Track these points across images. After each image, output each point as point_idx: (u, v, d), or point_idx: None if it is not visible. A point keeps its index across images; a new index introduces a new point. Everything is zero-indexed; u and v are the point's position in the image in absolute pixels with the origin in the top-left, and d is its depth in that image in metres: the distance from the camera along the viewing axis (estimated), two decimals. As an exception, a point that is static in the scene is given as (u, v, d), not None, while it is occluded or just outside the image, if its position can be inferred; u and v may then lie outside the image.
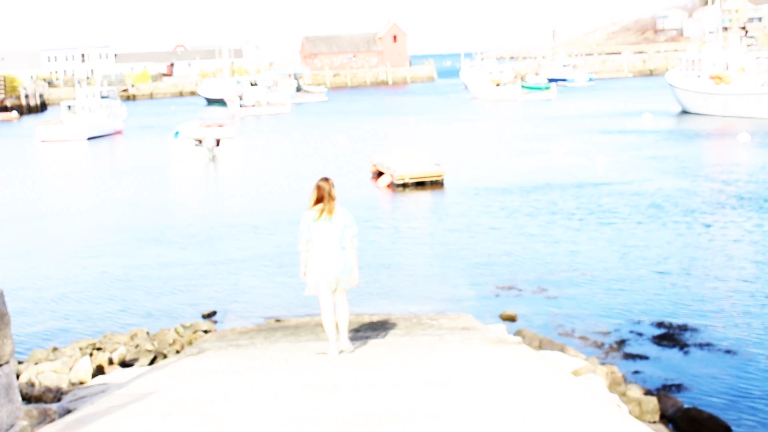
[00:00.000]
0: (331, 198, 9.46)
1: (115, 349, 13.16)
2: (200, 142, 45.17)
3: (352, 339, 11.27)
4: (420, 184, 31.28)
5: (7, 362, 6.42)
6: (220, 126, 47.64)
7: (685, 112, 60.61)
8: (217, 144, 45.16)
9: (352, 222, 9.64)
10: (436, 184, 31.41)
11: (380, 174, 33.27)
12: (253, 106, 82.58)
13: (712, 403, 11.32)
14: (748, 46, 64.54)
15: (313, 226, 9.55)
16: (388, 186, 31.67)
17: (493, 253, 20.96)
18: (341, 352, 10.07)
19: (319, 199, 9.49)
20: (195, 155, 44.63)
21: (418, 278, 18.85)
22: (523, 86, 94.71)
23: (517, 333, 13.46)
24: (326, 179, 9.58)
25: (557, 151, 40.80)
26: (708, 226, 22.87)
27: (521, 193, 29.16)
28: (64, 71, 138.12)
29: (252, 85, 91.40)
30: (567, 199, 27.59)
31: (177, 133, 46.47)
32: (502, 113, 70.00)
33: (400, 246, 22.40)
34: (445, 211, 26.94)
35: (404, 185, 31.19)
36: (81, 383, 11.51)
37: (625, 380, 11.72)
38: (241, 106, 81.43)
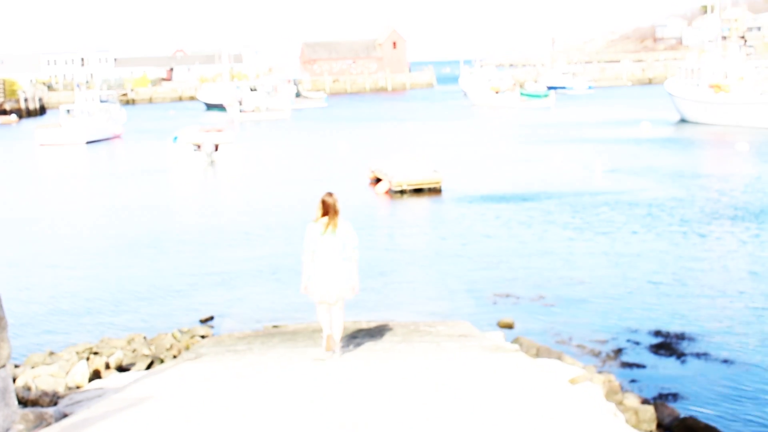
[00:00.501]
0: (335, 212, 9.87)
1: (112, 354, 13.15)
2: (199, 147, 45.22)
3: (351, 345, 11.34)
4: (417, 191, 31.33)
5: (3, 366, 6.42)
6: (219, 131, 47.68)
7: (683, 120, 60.71)
8: (216, 149, 45.19)
9: (354, 235, 10.05)
10: (434, 190, 31.47)
11: (378, 180, 33.30)
12: (253, 111, 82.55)
13: (709, 413, 11.32)
14: (747, 55, 64.61)
15: (318, 239, 9.92)
16: (386, 192, 31.69)
17: (490, 260, 20.96)
18: (333, 351, 10.36)
19: (324, 214, 9.89)
20: (193, 160, 44.66)
21: (416, 285, 18.84)
22: (522, 94, 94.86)
23: (515, 341, 13.46)
24: (330, 194, 9.98)
25: (555, 159, 40.84)
26: (705, 236, 22.89)
27: (519, 201, 29.17)
28: (64, 75, 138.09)
29: (252, 90, 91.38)
30: (564, 208, 27.60)
31: (176, 138, 46.53)
32: (501, 120, 70.09)
33: (397, 253, 22.40)
34: (443, 218, 26.94)
35: (401, 192, 31.24)
36: (77, 387, 11.49)
37: (622, 389, 11.72)
38: (240, 111, 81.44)
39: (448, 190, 31.66)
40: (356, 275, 10.15)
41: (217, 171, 42.50)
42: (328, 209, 9.86)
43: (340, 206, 9.96)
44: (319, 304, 10.19)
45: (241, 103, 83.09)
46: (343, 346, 11.10)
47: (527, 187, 32.33)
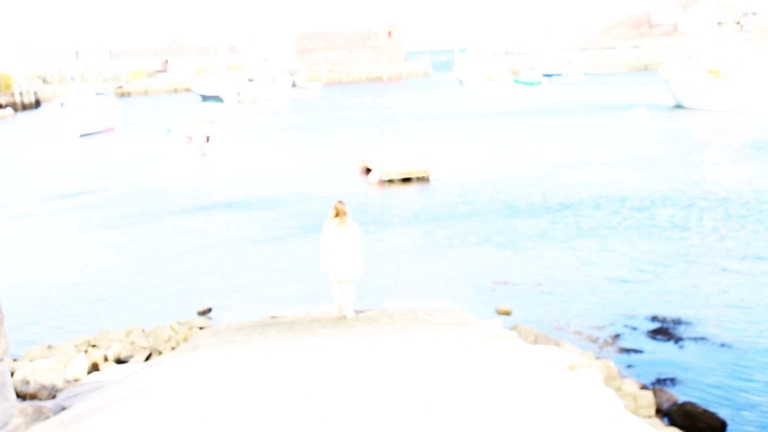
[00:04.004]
0: (344, 214, 12.90)
1: (110, 346, 13.14)
2: (190, 138, 45.23)
3: (348, 334, 11.44)
4: (406, 180, 31.44)
5: (1, 360, 6.41)
6: (212, 123, 47.65)
7: (679, 106, 60.63)
8: (207, 140, 45.19)
9: (359, 231, 12.99)
10: (422, 179, 31.59)
11: (368, 170, 33.39)
12: (252, 102, 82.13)
13: (707, 398, 11.35)
14: (743, 40, 64.53)
15: (333, 233, 12.81)
16: (378, 182, 31.70)
17: (486, 248, 20.96)
18: (344, 317, 13.08)
19: (337, 215, 12.86)
20: (186, 152, 44.64)
21: (413, 274, 18.85)
22: (516, 81, 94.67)
23: (513, 328, 13.47)
24: (341, 201, 13.06)
25: (548, 146, 40.80)
26: (700, 222, 22.90)
27: (512, 189, 29.15)
28: (59, 68, 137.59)
29: (249, 81, 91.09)
30: (557, 195, 27.59)
31: (169, 130, 46.55)
32: (495, 108, 69.94)
33: (393, 242, 22.38)
34: (437, 207, 26.91)
35: (390, 181, 31.35)
36: (76, 380, 11.49)
37: (621, 375, 11.74)
38: (239, 102, 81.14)
39: (437, 179, 31.69)
40: (361, 260, 12.98)
41: (210, 162, 42.41)
42: (338, 212, 12.87)
43: (348, 210, 12.96)
44: (335, 283, 13.00)
45: (239, 94, 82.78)
46: (340, 335, 11.28)
47: (519, 175, 32.31)
